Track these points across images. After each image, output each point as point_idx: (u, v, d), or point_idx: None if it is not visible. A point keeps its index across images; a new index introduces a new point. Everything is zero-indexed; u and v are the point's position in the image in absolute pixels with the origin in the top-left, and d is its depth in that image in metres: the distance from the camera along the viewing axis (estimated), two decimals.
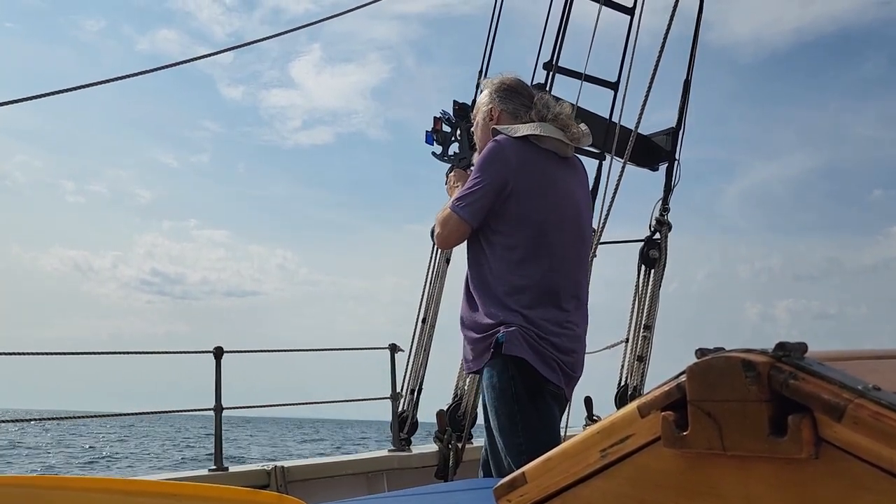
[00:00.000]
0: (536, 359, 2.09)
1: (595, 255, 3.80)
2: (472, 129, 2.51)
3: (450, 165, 2.69)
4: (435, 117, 2.82)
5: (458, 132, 2.85)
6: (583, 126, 2.31)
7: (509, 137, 2.22)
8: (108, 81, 3.30)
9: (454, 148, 2.88)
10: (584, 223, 2.32)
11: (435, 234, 2.32)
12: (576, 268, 2.25)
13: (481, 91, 2.43)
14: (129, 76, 3.37)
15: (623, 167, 3.79)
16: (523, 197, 2.16)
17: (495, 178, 2.16)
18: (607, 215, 3.77)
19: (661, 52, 3.73)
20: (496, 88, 2.35)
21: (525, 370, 2.10)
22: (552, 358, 2.11)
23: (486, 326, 2.15)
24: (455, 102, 2.98)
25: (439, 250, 4.01)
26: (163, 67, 3.54)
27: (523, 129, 2.22)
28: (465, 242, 2.29)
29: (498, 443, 2.15)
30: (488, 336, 2.14)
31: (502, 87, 2.34)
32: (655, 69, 3.72)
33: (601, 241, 3.79)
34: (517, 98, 2.32)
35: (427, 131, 2.89)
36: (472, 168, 2.33)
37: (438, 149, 2.90)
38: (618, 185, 3.78)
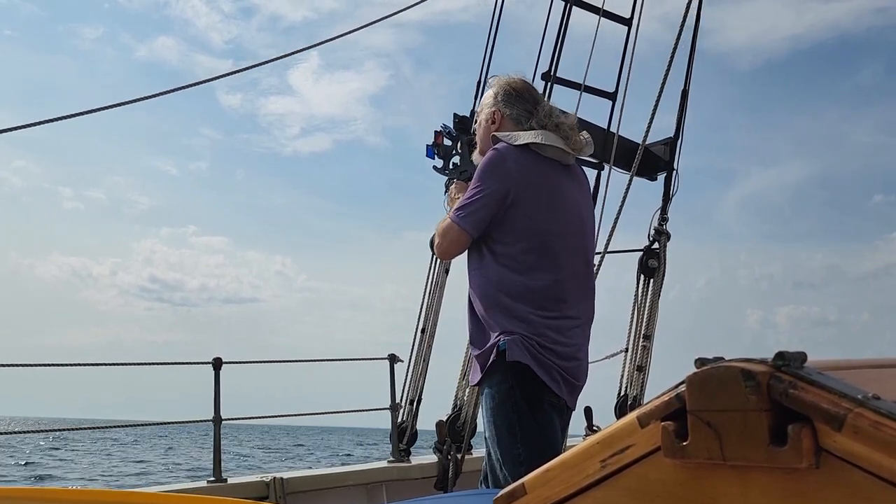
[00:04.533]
0: (538, 367, 2.07)
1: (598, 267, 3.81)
2: (475, 127, 2.47)
3: (450, 178, 2.66)
4: (436, 131, 2.81)
5: (459, 145, 2.83)
6: (585, 135, 2.29)
7: (510, 146, 2.19)
8: (128, 103, 3.30)
9: (455, 161, 2.86)
10: (586, 231, 2.30)
11: (435, 244, 2.29)
12: (579, 276, 2.22)
13: (488, 88, 2.38)
14: (149, 97, 3.38)
15: (630, 181, 3.79)
16: (525, 206, 2.14)
17: (496, 187, 2.13)
18: (613, 226, 3.77)
19: (667, 71, 3.72)
20: (502, 90, 2.31)
21: (526, 379, 2.08)
22: (553, 367, 2.09)
23: (489, 337, 2.14)
24: (455, 115, 2.97)
25: (438, 260, 4.01)
26: (179, 89, 3.54)
27: (524, 137, 2.19)
28: (466, 252, 2.27)
29: (494, 453, 2.13)
30: (490, 347, 2.13)
31: (508, 91, 2.30)
32: (663, 86, 3.72)
33: (606, 251, 3.79)
34: (521, 104, 2.28)
35: (428, 145, 2.87)
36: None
37: (440, 162, 2.89)
38: (624, 197, 3.79)
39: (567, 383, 2.14)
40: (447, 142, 2.88)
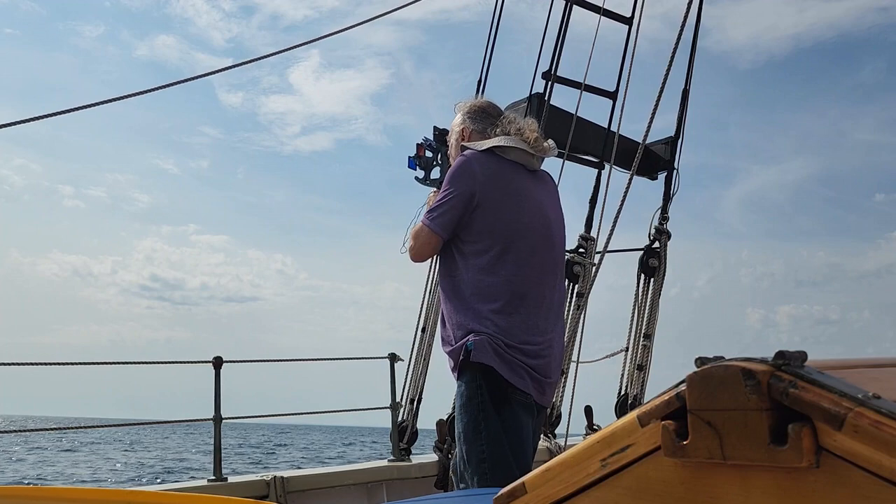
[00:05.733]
0: (503, 366, 2.16)
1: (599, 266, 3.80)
2: (448, 150, 2.63)
3: (432, 189, 2.75)
4: (418, 143, 2.90)
5: (440, 157, 2.93)
6: (550, 141, 2.42)
7: (476, 151, 2.33)
8: (127, 97, 3.31)
9: (436, 172, 2.95)
10: (552, 232, 2.40)
11: (408, 247, 2.40)
12: (545, 274, 2.31)
13: (455, 113, 2.56)
14: (148, 91, 3.39)
15: (630, 180, 3.78)
16: (490, 207, 2.25)
17: (462, 190, 2.25)
18: (613, 226, 3.75)
19: (668, 67, 3.71)
20: (467, 110, 2.49)
21: (492, 378, 2.17)
22: (520, 365, 2.18)
23: (458, 337, 2.24)
24: (435, 129, 3.06)
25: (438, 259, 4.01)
26: (178, 82, 3.55)
27: (488, 143, 2.33)
28: (439, 255, 2.39)
29: (461, 450, 2.23)
30: (460, 346, 2.22)
31: (473, 109, 2.49)
32: (662, 86, 3.71)
33: (606, 250, 3.78)
34: (486, 118, 2.45)
35: (410, 157, 2.97)
36: None
37: (421, 173, 2.98)
38: (624, 197, 3.77)
39: (535, 381, 2.23)
40: (428, 154, 2.96)
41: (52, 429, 3.99)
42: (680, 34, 3.71)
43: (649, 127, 3.80)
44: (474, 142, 2.38)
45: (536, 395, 2.24)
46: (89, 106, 3.23)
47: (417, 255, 2.40)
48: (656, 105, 3.72)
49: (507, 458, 2.16)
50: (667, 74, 3.73)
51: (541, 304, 2.27)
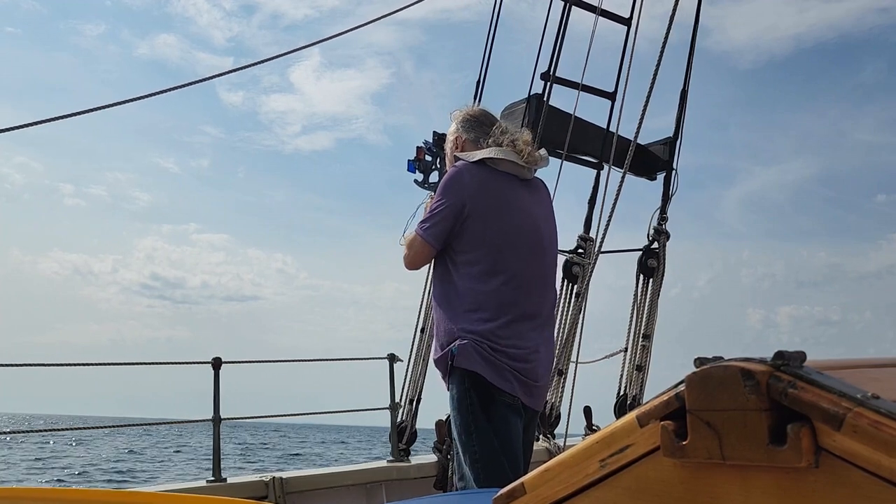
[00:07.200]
0: (488, 369, 2.21)
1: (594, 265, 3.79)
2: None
3: (429, 192, 2.77)
4: (418, 147, 2.91)
5: (438, 161, 2.94)
6: (542, 151, 2.48)
7: (467, 162, 2.38)
8: (128, 101, 3.31)
9: (434, 176, 2.96)
10: (543, 241, 2.43)
11: (402, 256, 2.45)
12: (536, 283, 2.37)
13: (451, 121, 2.60)
14: (150, 95, 3.40)
15: (622, 178, 3.77)
16: (480, 217, 2.30)
17: (453, 200, 2.30)
18: (607, 226, 3.74)
19: (657, 65, 3.70)
20: (461, 120, 2.54)
21: (478, 381, 2.22)
22: (506, 368, 2.23)
23: (445, 343, 2.29)
24: (435, 133, 3.07)
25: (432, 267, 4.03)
26: (180, 87, 3.56)
27: (480, 154, 2.38)
28: (433, 263, 2.44)
29: (457, 450, 2.29)
30: (447, 352, 2.28)
31: (467, 118, 2.53)
32: (652, 84, 3.70)
33: (602, 250, 3.77)
34: (479, 127, 2.49)
35: (409, 160, 2.98)
36: None
37: (420, 176, 2.99)
38: (617, 195, 3.76)
39: (521, 384, 2.27)
40: (428, 157, 2.97)
41: (47, 430, 3.98)
42: (668, 30, 3.70)
43: (639, 126, 3.78)
44: (467, 152, 2.43)
45: (524, 397, 2.29)
46: (96, 109, 3.24)
47: (411, 264, 2.45)
48: (645, 105, 3.71)
49: (499, 458, 2.21)
50: (655, 72, 3.72)
51: (530, 313, 2.32)
